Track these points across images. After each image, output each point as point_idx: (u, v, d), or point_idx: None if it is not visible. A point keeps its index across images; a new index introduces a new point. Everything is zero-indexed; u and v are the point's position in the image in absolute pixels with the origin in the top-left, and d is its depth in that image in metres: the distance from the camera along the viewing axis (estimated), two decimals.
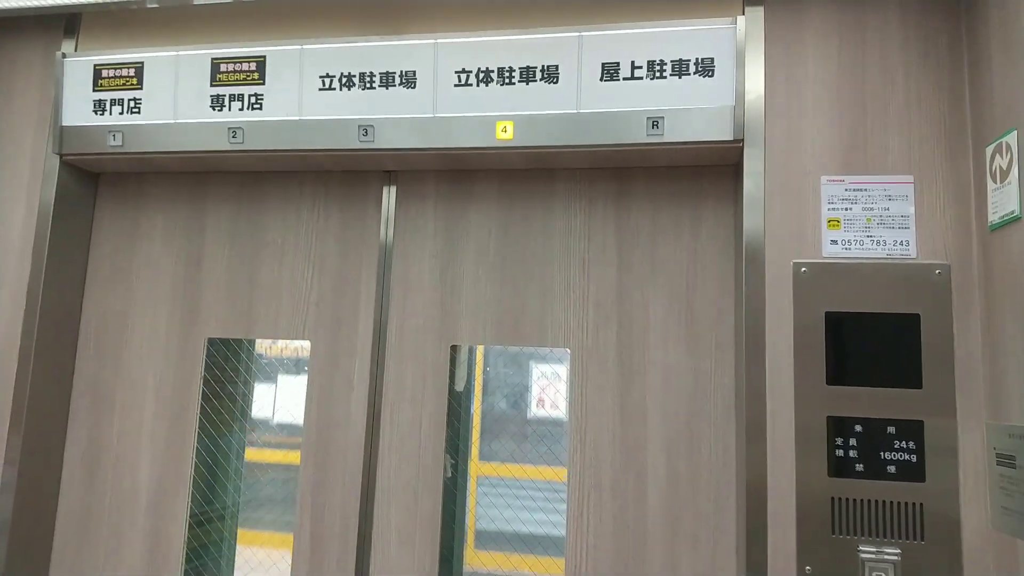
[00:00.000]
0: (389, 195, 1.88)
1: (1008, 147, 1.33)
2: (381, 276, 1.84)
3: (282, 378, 2.02)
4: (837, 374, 1.46)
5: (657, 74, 1.58)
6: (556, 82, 1.62)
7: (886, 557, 1.40)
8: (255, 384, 2.04)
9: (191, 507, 1.90)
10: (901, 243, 1.47)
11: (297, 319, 1.88)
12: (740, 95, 1.54)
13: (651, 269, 1.72)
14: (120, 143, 1.85)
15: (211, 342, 1.95)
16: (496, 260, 1.80)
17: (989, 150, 1.40)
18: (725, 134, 1.55)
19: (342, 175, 1.92)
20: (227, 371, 2.04)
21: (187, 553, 1.89)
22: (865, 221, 1.48)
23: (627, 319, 1.71)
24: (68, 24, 1.99)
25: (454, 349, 1.80)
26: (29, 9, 1.93)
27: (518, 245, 1.79)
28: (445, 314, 1.80)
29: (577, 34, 1.61)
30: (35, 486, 1.89)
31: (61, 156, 1.92)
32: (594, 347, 1.71)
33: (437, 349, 1.79)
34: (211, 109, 1.80)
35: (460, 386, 1.83)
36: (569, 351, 1.73)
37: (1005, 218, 1.34)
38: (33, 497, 1.88)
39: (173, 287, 1.97)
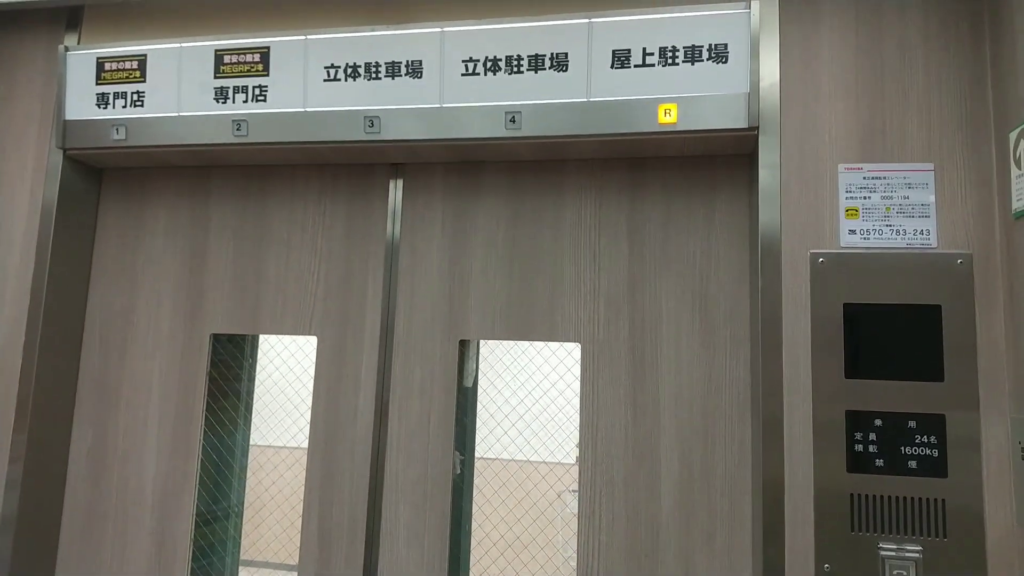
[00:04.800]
0: (396, 188, 1.85)
1: None
2: (388, 270, 1.82)
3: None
4: (856, 367, 1.43)
5: (669, 61, 1.54)
6: (565, 70, 1.59)
7: (907, 554, 1.36)
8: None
9: (197, 505, 1.88)
10: (921, 232, 1.43)
11: (303, 314, 1.85)
12: (755, 82, 1.50)
13: (664, 261, 1.68)
14: (123, 137, 1.83)
15: (216, 338, 1.93)
16: (505, 253, 1.77)
17: (1013, 135, 1.36)
18: (739, 122, 1.51)
19: (348, 168, 1.89)
20: (232, 367, 2.02)
21: (193, 552, 1.87)
22: (884, 210, 1.44)
23: (639, 312, 1.68)
24: (70, 17, 1.97)
25: (463, 344, 1.77)
26: (31, 3, 1.90)
27: (528, 238, 1.76)
28: (453, 308, 1.77)
29: (587, 20, 1.58)
30: (40, 483, 1.87)
31: (64, 151, 1.90)
32: (605, 341, 1.68)
33: (446, 344, 1.76)
34: (215, 101, 1.77)
35: (469, 381, 1.80)
36: (580, 345, 1.69)
37: None
38: (38, 495, 1.86)
39: (177, 283, 1.94)
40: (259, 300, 1.89)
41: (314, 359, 1.83)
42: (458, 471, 1.74)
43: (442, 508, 1.70)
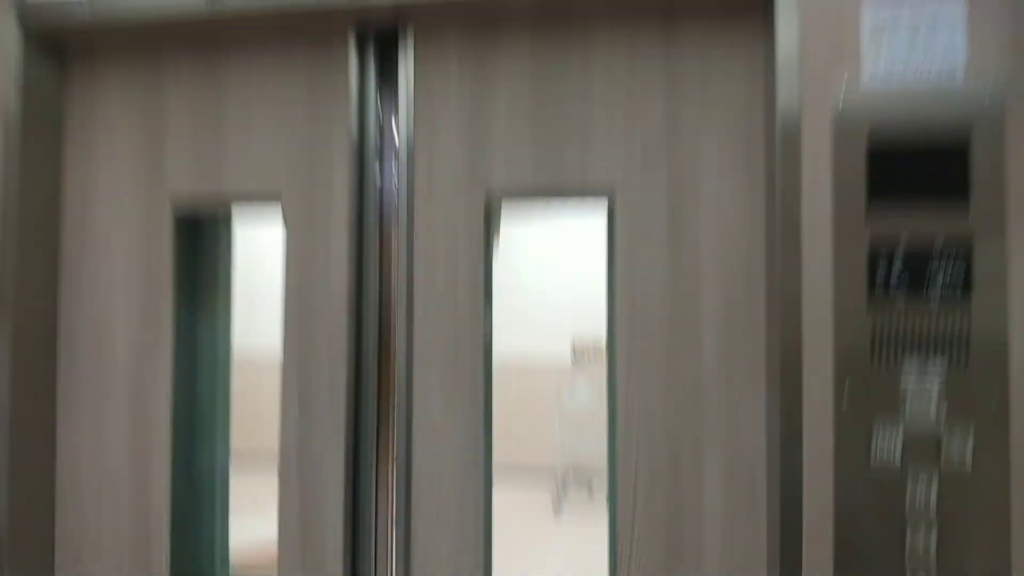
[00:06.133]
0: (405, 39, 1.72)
1: None
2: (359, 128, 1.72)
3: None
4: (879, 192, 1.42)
5: None
6: None
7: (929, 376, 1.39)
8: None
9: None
10: (950, 64, 1.42)
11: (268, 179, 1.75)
12: None
13: (703, 108, 1.60)
14: (87, 12, 1.66)
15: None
16: (531, 105, 1.67)
17: None
18: None
19: (309, 29, 1.73)
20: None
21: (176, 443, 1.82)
22: (911, 41, 1.43)
23: (676, 163, 1.62)
24: None
25: (489, 197, 1.68)
26: None
27: (556, 86, 1.66)
28: (475, 161, 1.68)
29: None
30: (30, 369, 1.78)
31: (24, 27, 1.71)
32: (640, 192, 1.62)
33: (469, 201, 1.68)
34: None
35: (495, 250, 1.73)
36: (609, 198, 1.64)
37: None
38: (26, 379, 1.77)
39: (135, 159, 1.83)
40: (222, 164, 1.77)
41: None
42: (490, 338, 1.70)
43: (474, 366, 1.68)
